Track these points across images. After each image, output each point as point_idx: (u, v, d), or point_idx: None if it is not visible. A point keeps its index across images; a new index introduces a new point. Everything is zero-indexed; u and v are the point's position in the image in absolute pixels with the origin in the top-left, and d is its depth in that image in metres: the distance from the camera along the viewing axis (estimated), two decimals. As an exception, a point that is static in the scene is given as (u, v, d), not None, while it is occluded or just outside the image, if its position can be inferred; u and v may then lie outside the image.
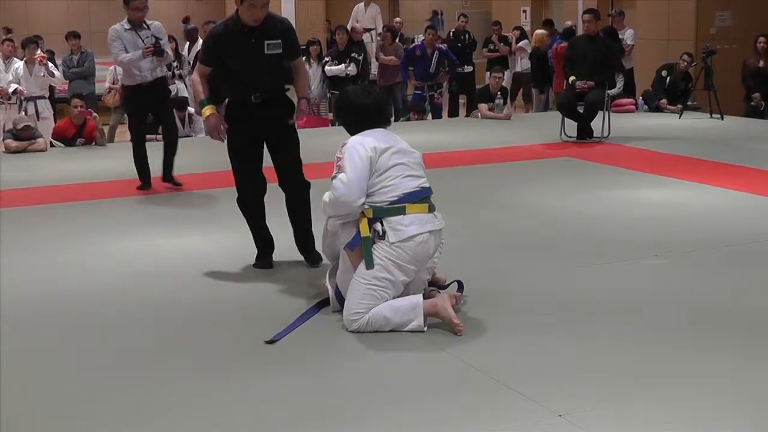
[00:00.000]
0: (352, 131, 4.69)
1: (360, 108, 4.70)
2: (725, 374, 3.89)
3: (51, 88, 12.36)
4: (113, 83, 12.83)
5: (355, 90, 4.87)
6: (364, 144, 4.49)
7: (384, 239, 4.41)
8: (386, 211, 4.43)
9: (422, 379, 3.92)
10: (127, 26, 8.04)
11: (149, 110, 8.36)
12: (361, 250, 4.44)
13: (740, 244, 5.98)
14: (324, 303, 4.77)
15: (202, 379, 3.96)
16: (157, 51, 7.91)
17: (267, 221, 5.71)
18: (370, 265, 4.40)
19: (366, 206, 4.45)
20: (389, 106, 4.83)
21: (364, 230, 4.43)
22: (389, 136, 4.63)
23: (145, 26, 8.05)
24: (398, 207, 4.43)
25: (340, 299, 4.60)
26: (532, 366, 4.00)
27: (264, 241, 5.71)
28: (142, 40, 7.94)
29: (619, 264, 5.56)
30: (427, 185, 4.57)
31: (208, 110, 5.43)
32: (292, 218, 5.65)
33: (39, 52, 11.83)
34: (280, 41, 5.41)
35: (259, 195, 5.62)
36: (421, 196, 4.51)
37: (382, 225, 4.42)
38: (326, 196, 4.56)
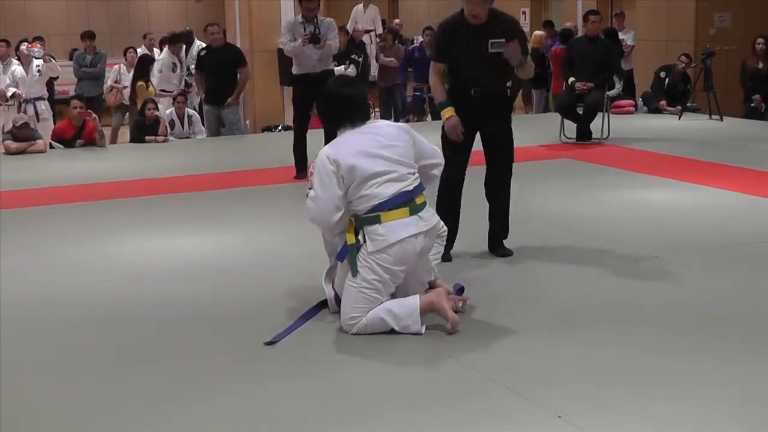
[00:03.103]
0: (328, 124, 4.68)
1: (337, 98, 4.59)
2: (726, 376, 3.89)
3: (51, 89, 12.33)
4: (116, 82, 12.83)
5: (336, 80, 4.79)
6: (328, 157, 4.40)
7: (365, 246, 4.39)
8: (363, 220, 4.41)
9: (422, 381, 3.92)
10: (300, 20, 8.72)
11: (313, 100, 8.59)
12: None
13: (740, 245, 5.98)
14: (323, 304, 4.76)
15: (201, 380, 3.96)
16: (313, 39, 8.44)
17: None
18: (354, 272, 4.39)
19: (348, 214, 4.43)
20: (366, 101, 4.75)
21: (350, 238, 4.43)
22: (362, 138, 4.48)
23: (316, 21, 8.62)
24: (373, 216, 4.38)
25: (339, 300, 4.59)
26: (532, 367, 4.00)
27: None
28: (305, 31, 8.52)
29: (618, 265, 5.55)
30: (409, 187, 4.45)
31: (448, 112, 5.58)
32: (490, 198, 5.96)
33: (26, 44, 11.81)
34: (503, 40, 5.47)
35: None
36: (399, 202, 4.40)
37: (364, 234, 4.41)
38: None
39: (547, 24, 15.32)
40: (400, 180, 4.45)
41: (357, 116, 4.56)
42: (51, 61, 11.79)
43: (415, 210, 4.45)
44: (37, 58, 11.48)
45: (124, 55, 13.48)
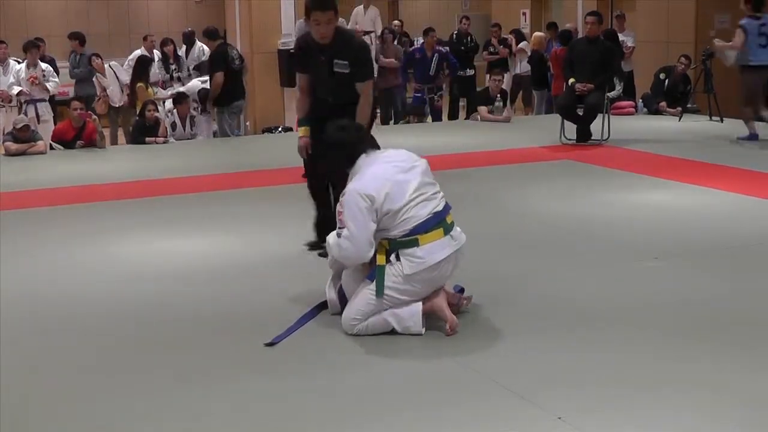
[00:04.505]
0: (346, 166, 4.56)
1: (341, 145, 4.59)
2: (726, 377, 3.89)
3: (51, 90, 12.35)
4: (103, 91, 12.80)
5: (329, 129, 4.70)
6: (360, 193, 4.33)
7: (400, 264, 4.36)
8: (399, 244, 4.38)
9: (422, 381, 3.92)
10: None
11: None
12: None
13: (740, 246, 5.98)
14: (323, 305, 4.76)
15: (202, 381, 3.96)
16: None
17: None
18: (380, 293, 4.36)
19: (380, 238, 4.40)
20: (368, 132, 4.76)
21: (381, 259, 4.40)
22: (384, 167, 4.45)
23: None
24: (411, 239, 4.36)
25: (342, 300, 4.59)
26: (532, 369, 4.00)
27: (317, 217, 6.01)
28: None
29: (618, 266, 5.56)
30: (440, 207, 4.44)
31: (302, 131, 5.80)
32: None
33: (32, 71, 11.74)
34: (347, 62, 5.57)
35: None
36: (434, 223, 4.39)
37: (398, 257, 4.38)
38: (332, 239, 4.50)
39: (550, 26, 15.32)
40: (431, 200, 4.45)
41: (368, 147, 4.57)
42: (48, 83, 11.74)
43: (448, 230, 4.46)
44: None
45: (89, 63, 13.25)
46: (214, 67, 11.34)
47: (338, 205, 4.47)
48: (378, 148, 4.64)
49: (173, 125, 11.57)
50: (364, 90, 5.65)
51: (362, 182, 4.39)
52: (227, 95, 11.29)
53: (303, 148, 5.80)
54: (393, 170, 4.44)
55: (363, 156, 4.52)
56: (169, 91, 12.81)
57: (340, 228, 4.39)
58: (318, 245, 5.78)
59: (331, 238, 4.51)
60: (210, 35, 11.64)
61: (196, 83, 12.12)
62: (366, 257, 4.38)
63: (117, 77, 12.70)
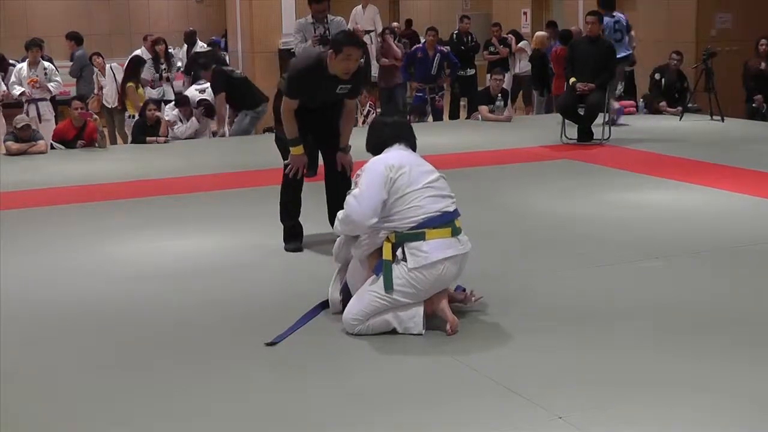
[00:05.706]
0: (376, 151, 4.67)
1: (381, 128, 4.73)
2: (725, 377, 3.89)
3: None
4: (99, 89, 12.79)
5: (378, 118, 5.02)
6: (383, 162, 4.46)
7: (405, 263, 4.37)
8: (406, 237, 4.39)
9: (423, 381, 3.92)
10: (310, 20, 8.93)
11: None
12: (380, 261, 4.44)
13: (741, 246, 5.98)
14: (324, 305, 4.77)
15: (202, 382, 3.96)
16: (322, 40, 8.62)
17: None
18: (388, 288, 4.37)
19: (386, 231, 4.41)
20: (412, 130, 4.81)
21: (387, 254, 4.41)
22: (412, 156, 4.58)
23: (326, 21, 8.87)
24: (418, 233, 4.38)
25: (346, 294, 4.60)
26: (533, 368, 4.01)
27: (294, 226, 6.11)
28: (315, 32, 8.75)
29: (619, 266, 5.56)
30: (450, 209, 4.48)
31: (300, 149, 5.90)
32: (334, 193, 6.03)
33: (33, 74, 11.73)
34: (350, 86, 5.79)
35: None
36: (443, 221, 4.42)
37: (403, 250, 4.39)
38: (340, 213, 4.56)
39: (550, 24, 15.32)
40: (444, 198, 4.48)
41: (410, 139, 4.68)
42: (50, 82, 11.75)
43: (456, 232, 4.48)
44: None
45: (90, 61, 13.26)
46: (216, 91, 11.30)
47: (360, 169, 4.57)
48: (414, 149, 4.70)
49: (179, 120, 11.54)
50: (351, 104, 6.04)
51: (388, 156, 4.53)
52: (250, 99, 11.25)
53: (299, 165, 5.90)
54: (418, 162, 4.57)
55: (397, 145, 4.61)
56: (157, 91, 12.80)
57: (353, 189, 4.49)
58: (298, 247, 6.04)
59: (340, 213, 4.58)
60: (205, 67, 11.68)
61: (194, 93, 12.06)
62: (365, 223, 4.38)
63: (115, 78, 12.70)
